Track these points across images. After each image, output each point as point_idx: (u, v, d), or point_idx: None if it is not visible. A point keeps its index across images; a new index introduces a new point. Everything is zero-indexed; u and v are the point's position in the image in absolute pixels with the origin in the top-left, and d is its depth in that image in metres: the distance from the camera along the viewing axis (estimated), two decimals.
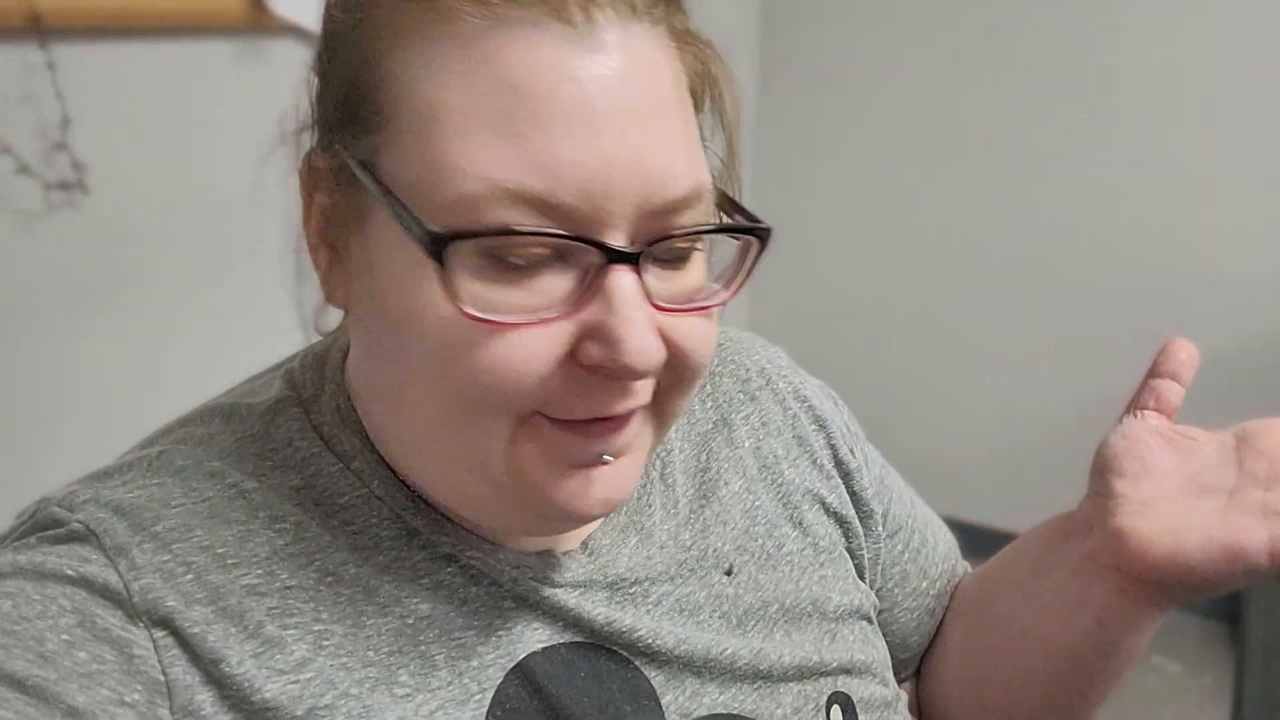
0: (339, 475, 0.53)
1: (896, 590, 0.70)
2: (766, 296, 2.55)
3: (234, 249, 1.37)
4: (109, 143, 1.27)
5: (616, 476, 0.49)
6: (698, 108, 0.51)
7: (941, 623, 0.74)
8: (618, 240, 0.44)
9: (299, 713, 0.47)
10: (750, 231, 0.49)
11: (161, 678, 0.46)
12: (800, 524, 0.64)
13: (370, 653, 0.49)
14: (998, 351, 2.35)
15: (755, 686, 0.57)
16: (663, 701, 0.54)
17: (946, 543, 0.75)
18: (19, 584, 0.46)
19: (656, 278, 0.46)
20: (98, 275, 1.31)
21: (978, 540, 0.86)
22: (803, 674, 0.58)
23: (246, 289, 1.25)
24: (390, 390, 0.50)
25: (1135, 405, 0.60)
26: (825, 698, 0.58)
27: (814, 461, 0.66)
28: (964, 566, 0.77)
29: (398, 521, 0.53)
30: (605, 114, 0.43)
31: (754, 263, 0.49)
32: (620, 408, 0.47)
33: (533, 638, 0.53)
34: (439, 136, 0.44)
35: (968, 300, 2.36)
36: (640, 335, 0.44)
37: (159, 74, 1.31)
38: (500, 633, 0.52)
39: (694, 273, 0.48)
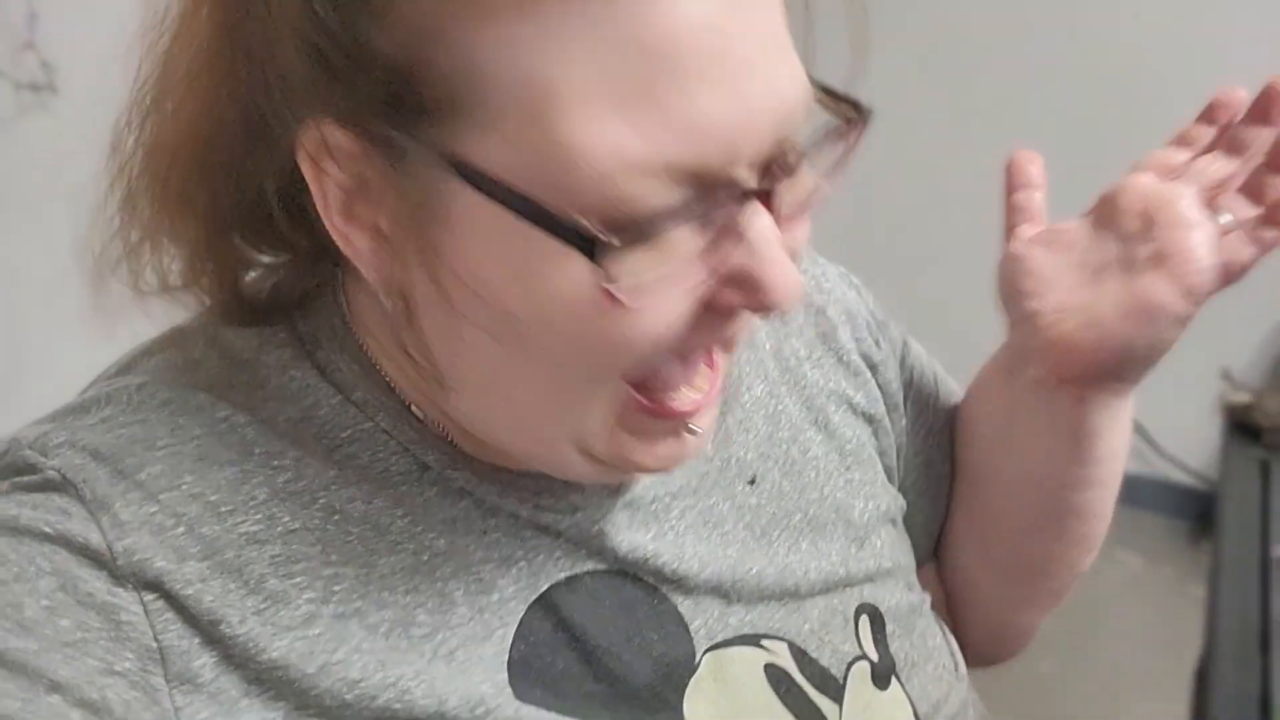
0: (340, 408, 0.49)
1: (920, 480, 0.68)
2: None
3: None
4: (77, 41, 1.22)
5: (700, 440, 0.49)
6: None
7: None
8: (745, 174, 0.41)
9: (310, 670, 0.44)
10: (856, 114, 0.45)
11: (154, 644, 0.42)
12: (825, 427, 0.63)
13: (385, 594, 0.47)
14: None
15: (782, 603, 0.56)
16: (690, 626, 0.53)
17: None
18: None
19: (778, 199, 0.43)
20: (70, 178, 1.27)
21: None
22: (829, 586, 0.58)
23: None
24: (481, 377, 0.46)
25: (1008, 228, 0.60)
26: (853, 609, 0.58)
27: (839, 359, 0.64)
28: None
29: (406, 455, 0.49)
30: (743, 54, 0.39)
31: (855, 145, 0.45)
32: (735, 333, 0.46)
33: (555, 569, 0.51)
34: (557, 118, 0.38)
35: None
36: (787, 275, 0.42)
37: None
38: (520, 564, 0.50)
39: (802, 175, 0.44)
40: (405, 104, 0.40)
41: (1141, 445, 2.30)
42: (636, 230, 0.39)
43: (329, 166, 0.42)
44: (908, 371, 0.68)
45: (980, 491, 0.68)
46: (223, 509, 0.45)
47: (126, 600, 0.42)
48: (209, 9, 0.44)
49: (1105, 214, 0.56)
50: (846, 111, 0.45)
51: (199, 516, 0.45)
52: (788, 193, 0.43)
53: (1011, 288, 0.58)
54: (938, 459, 0.69)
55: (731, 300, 0.42)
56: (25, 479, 0.44)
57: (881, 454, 0.66)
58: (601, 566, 0.52)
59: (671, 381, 0.46)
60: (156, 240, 0.49)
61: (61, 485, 0.44)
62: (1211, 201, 0.55)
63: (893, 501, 0.64)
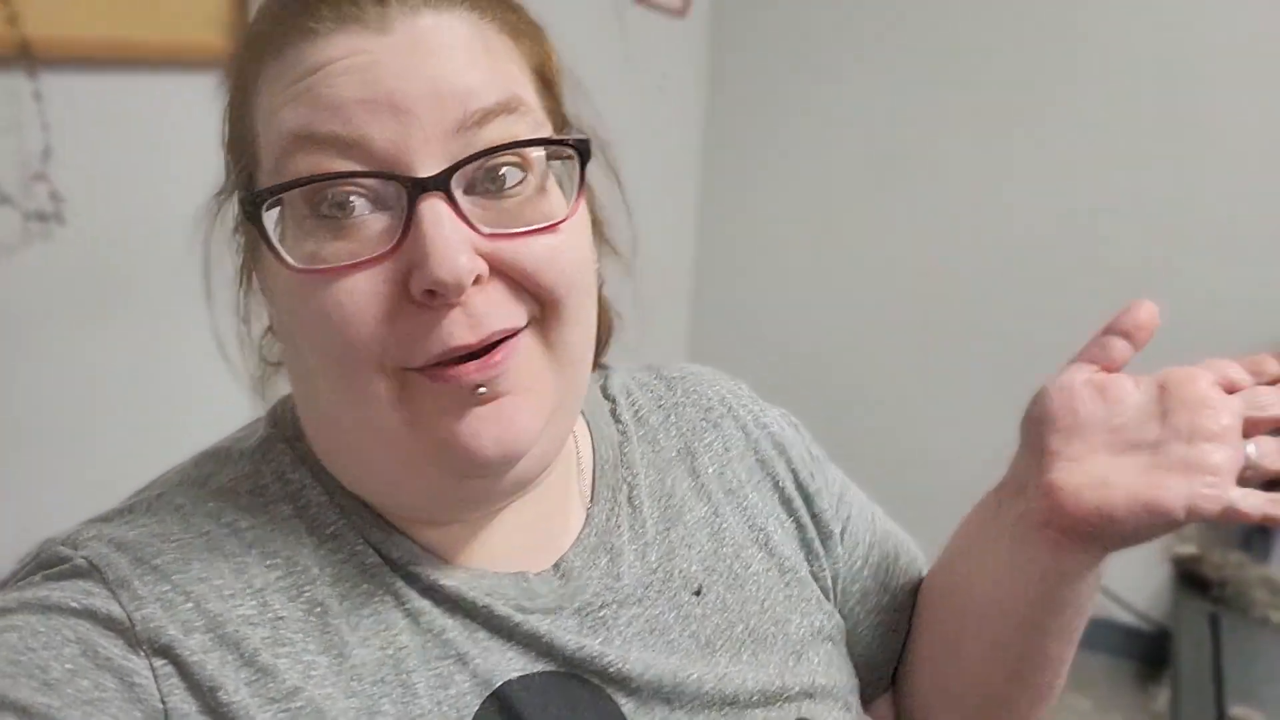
0: (327, 505, 0.56)
1: (858, 608, 0.71)
2: (708, 333, 2.58)
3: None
4: (89, 175, 1.25)
5: (508, 413, 0.51)
6: (549, 83, 0.55)
7: (911, 630, 0.74)
8: (429, 171, 0.48)
9: None
10: (557, 143, 0.52)
11: (160, 705, 0.48)
12: (765, 545, 0.67)
13: (354, 683, 0.52)
14: (944, 390, 2.41)
15: (722, 712, 0.58)
16: None
17: (909, 555, 0.76)
18: (24, 618, 0.48)
19: (484, 205, 0.50)
20: (71, 307, 1.29)
21: None
22: (767, 699, 0.60)
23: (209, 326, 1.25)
24: (309, 396, 0.55)
25: (1081, 357, 0.59)
26: None
27: (776, 485, 0.69)
28: None
29: (376, 552, 0.56)
30: (391, 64, 0.48)
31: (580, 177, 0.53)
32: (471, 336, 0.49)
33: (508, 666, 0.55)
34: (265, 130, 0.50)
35: (913, 339, 2.43)
36: (446, 247, 0.47)
37: (142, 106, 1.30)
38: (477, 660, 0.54)
39: (534, 203, 0.51)
40: (238, 165, 0.53)
41: None
42: (319, 213, 0.49)
43: (240, 242, 0.56)
44: (846, 507, 0.72)
45: (945, 613, 0.70)
46: (225, 592, 0.52)
47: (139, 665, 0.48)
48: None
49: (1164, 396, 0.56)
50: (566, 148, 0.53)
51: (204, 595, 0.51)
52: (492, 201, 0.50)
53: (1046, 415, 0.58)
54: (874, 590, 0.72)
55: (416, 282, 0.48)
56: (56, 569, 0.51)
57: (815, 577, 0.69)
58: (551, 667, 0.56)
59: (429, 362, 0.50)
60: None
61: (88, 571, 0.50)
62: (1251, 432, 0.56)
63: (827, 620, 0.67)
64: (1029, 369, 2.37)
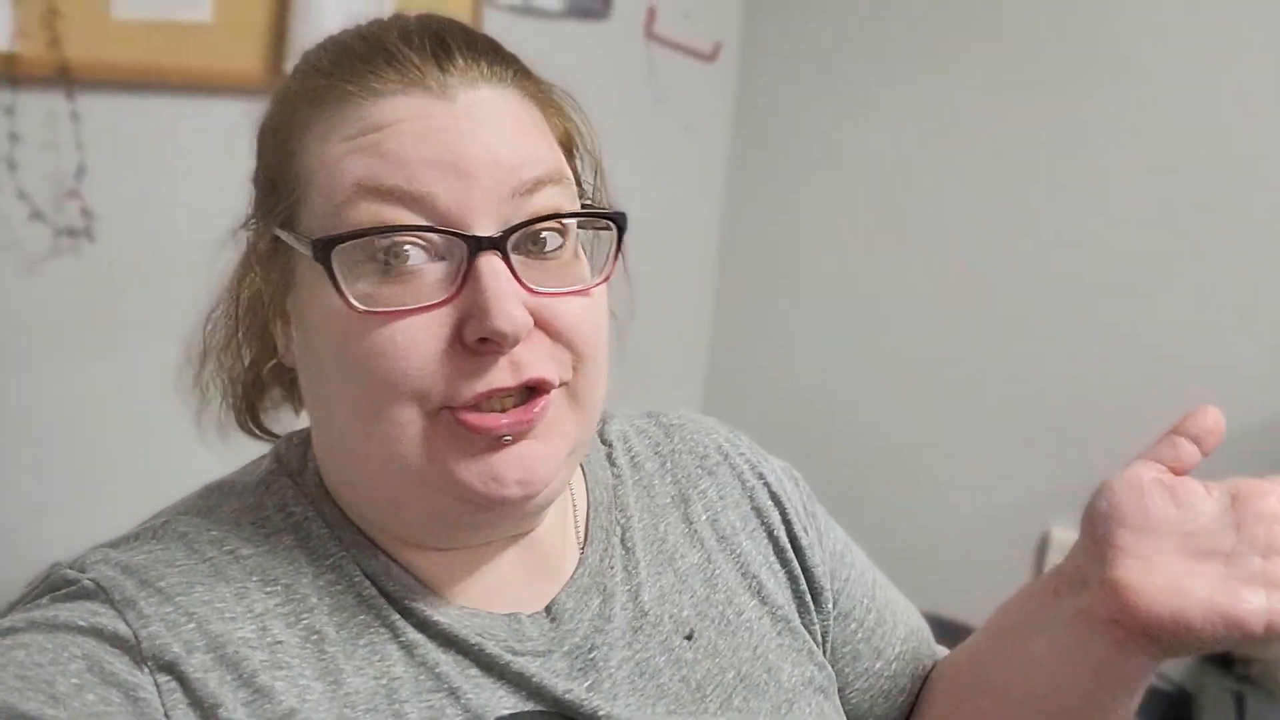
0: (327, 537, 0.58)
1: (847, 670, 0.71)
2: (725, 378, 2.57)
3: None
4: (120, 194, 1.27)
5: (531, 457, 0.54)
6: (570, 153, 0.60)
7: (921, 705, 0.74)
8: (485, 230, 0.52)
9: None
10: (603, 216, 0.58)
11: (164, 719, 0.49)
12: (758, 593, 0.67)
13: (348, 710, 0.52)
14: (964, 448, 2.37)
15: None
16: None
17: (909, 626, 0.75)
18: (32, 636, 0.49)
19: (528, 265, 0.53)
20: (98, 321, 1.30)
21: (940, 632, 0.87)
22: None
23: None
24: (324, 420, 0.58)
25: (1149, 456, 0.59)
26: None
27: (770, 534, 0.70)
28: (937, 651, 0.77)
29: (373, 584, 0.57)
30: (454, 129, 0.53)
31: (616, 249, 0.57)
32: (511, 380, 0.53)
33: (499, 704, 0.55)
34: (323, 175, 0.53)
35: (935, 391, 2.38)
36: (506, 302, 0.51)
37: (175, 129, 1.32)
38: (469, 696, 0.55)
39: (570, 266, 0.56)
40: (273, 199, 0.56)
41: None
42: (383, 261, 0.51)
43: (249, 276, 0.58)
44: (846, 569, 0.73)
45: (983, 699, 0.69)
46: (226, 615, 0.53)
47: (144, 681, 0.49)
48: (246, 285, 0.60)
49: (1237, 506, 0.56)
50: (605, 220, 0.58)
51: (206, 617, 0.53)
52: (537, 261, 0.54)
53: (1114, 510, 0.57)
54: (866, 654, 0.72)
55: (471, 330, 0.51)
56: (64, 591, 0.53)
57: (807, 628, 0.69)
58: (541, 708, 0.56)
59: (469, 402, 0.52)
60: (232, 354, 0.63)
61: (94, 593, 0.52)
62: None
63: (819, 672, 0.67)
64: (1051, 425, 2.30)
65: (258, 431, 0.66)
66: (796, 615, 0.68)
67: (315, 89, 0.55)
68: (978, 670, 0.70)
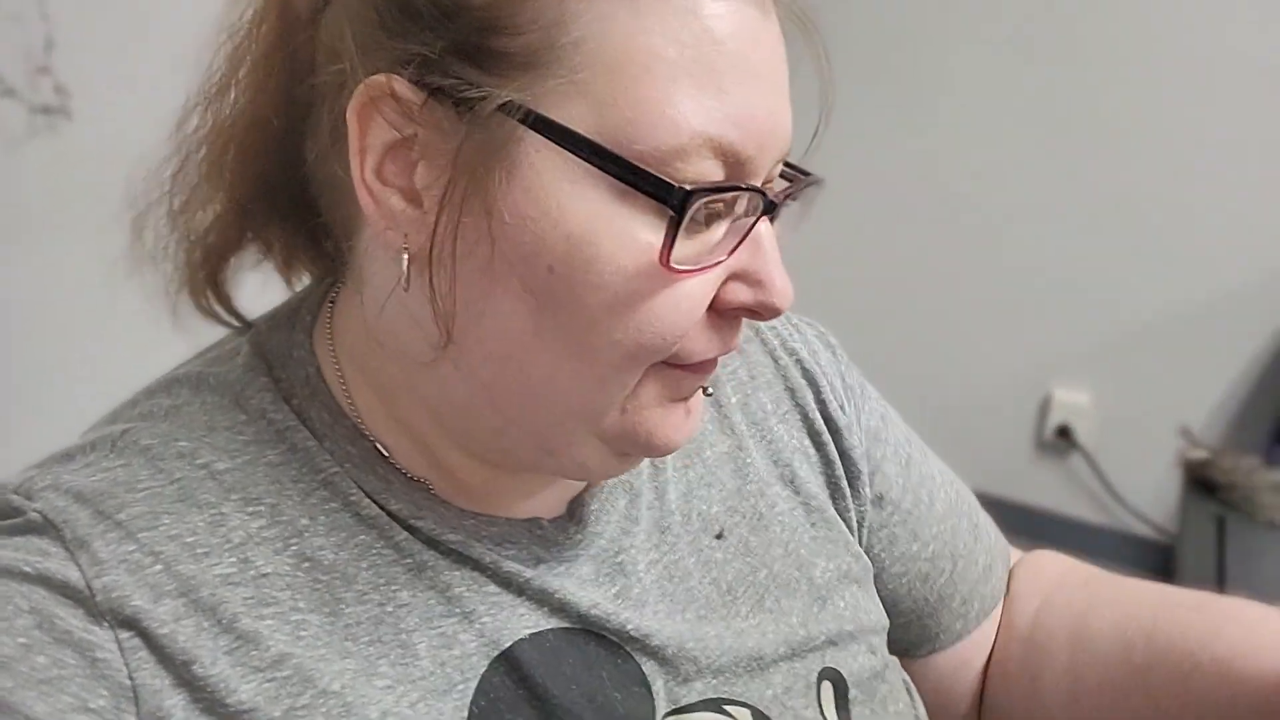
0: (316, 451, 0.51)
1: (884, 554, 0.68)
2: None
3: None
4: (93, 69, 1.24)
5: (697, 414, 0.52)
6: None
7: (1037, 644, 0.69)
8: (762, 182, 0.47)
9: (275, 714, 0.45)
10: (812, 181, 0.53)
11: (128, 682, 0.44)
12: (791, 483, 0.63)
13: (349, 643, 0.48)
14: (966, 316, 2.38)
15: (745, 668, 0.56)
16: (653, 688, 0.53)
17: (946, 501, 0.71)
18: None
19: None
20: (79, 203, 1.29)
21: None
22: (792, 652, 0.58)
23: None
24: (500, 347, 0.47)
25: None
26: (815, 675, 0.58)
27: (804, 417, 0.65)
28: (979, 520, 0.73)
29: (373, 503, 0.51)
30: (773, 75, 0.46)
31: (809, 206, 0.53)
32: (738, 343, 0.50)
33: (519, 624, 0.51)
34: (645, 84, 0.43)
35: (934, 269, 2.38)
36: (784, 277, 0.48)
37: None
38: (485, 619, 0.51)
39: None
40: (487, 54, 0.43)
41: (1105, 498, 2.36)
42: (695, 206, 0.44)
43: (377, 121, 0.45)
44: (881, 446, 0.69)
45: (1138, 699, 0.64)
46: (199, 550, 0.47)
47: (102, 638, 0.44)
48: (269, 23, 0.50)
49: None
50: (806, 178, 0.52)
51: (176, 556, 0.46)
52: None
53: None
54: (903, 537, 0.69)
55: (738, 296, 0.47)
56: (8, 522, 0.46)
57: (842, 516, 0.65)
58: (565, 624, 0.53)
59: (703, 358, 0.49)
60: (200, 205, 0.54)
61: (43, 527, 0.46)
62: None
63: (855, 563, 0.64)
64: (1051, 292, 2.30)
65: (224, 313, 0.57)
66: (831, 504, 0.65)
67: None
68: (1150, 688, 0.64)
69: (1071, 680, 0.67)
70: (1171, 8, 2.02)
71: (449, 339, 0.47)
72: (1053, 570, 0.75)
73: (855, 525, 0.66)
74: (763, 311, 0.48)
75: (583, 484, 0.58)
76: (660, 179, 0.43)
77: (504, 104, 0.43)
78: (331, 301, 0.56)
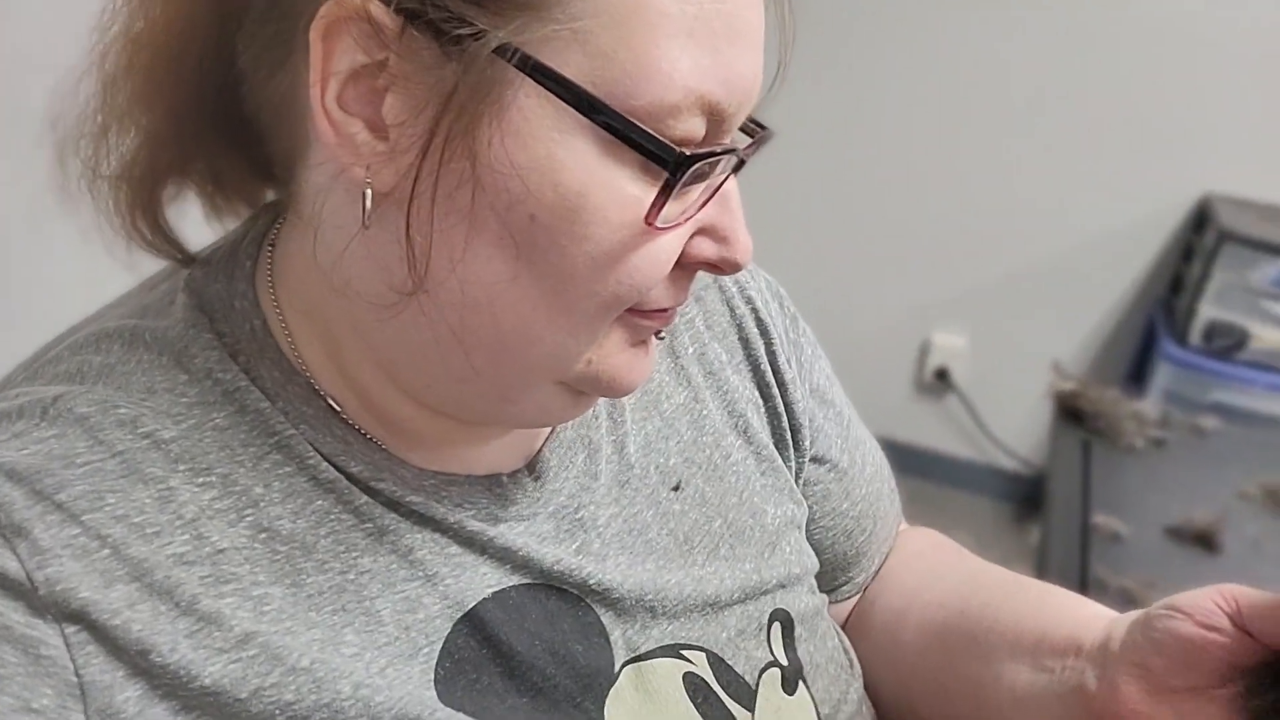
0: (269, 413, 0.48)
1: (815, 508, 0.69)
2: None
3: None
4: None
5: (653, 357, 0.52)
6: None
7: (891, 614, 0.71)
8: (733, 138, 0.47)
9: (243, 695, 0.43)
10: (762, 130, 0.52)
11: (75, 679, 0.41)
12: (744, 432, 0.64)
13: (313, 614, 0.46)
14: (849, 265, 2.45)
15: (702, 613, 0.57)
16: (611, 638, 0.54)
17: (874, 464, 0.74)
18: None
19: None
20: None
21: None
22: (745, 595, 0.59)
23: None
24: (473, 292, 0.45)
25: (1251, 625, 0.51)
26: (766, 616, 0.60)
27: (755, 367, 0.66)
28: (893, 496, 0.76)
29: (334, 465, 0.49)
30: (758, 34, 0.46)
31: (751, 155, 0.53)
32: (689, 295, 0.51)
33: (482, 584, 0.51)
34: (648, 39, 0.42)
35: (818, 217, 2.44)
36: (747, 234, 0.48)
37: None
38: (448, 581, 0.50)
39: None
40: (509, 6, 0.41)
41: (975, 432, 2.49)
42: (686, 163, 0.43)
43: (345, 42, 0.41)
44: (825, 408, 0.70)
45: (950, 681, 0.66)
46: (149, 529, 0.44)
47: (46, 633, 0.41)
48: None
49: None
50: (763, 132, 0.51)
51: (124, 538, 0.43)
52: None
53: (1184, 641, 0.51)
54: (836, 493, 0.70)
55: (704, 251, 0.48)
56: None
57: (785, 464, 0.67)
58: (527, 580, 0.53)
59: (663, 306, 0.49)
60: (124, 125, 0.49)
61: None
62: None
63: (798, 509, 0.66)
64: (931, 241, 2.39)
65: (160, 243, 0.52)
66: (777, 454, 0.66)
67: None
68: (958, 652, 0.66)
69: (890, 642, 0.71)
70: None
71: (420, 284, 0.44)
72: (914, 546, 0.78)
73: (794, 475, 0.68)
74: (724, 267, 0.48)
75: (540, 435, 0.57)
76: (658, 139, 0.42)
77: (499, 46, 0.40)
78: (271, 243, 0.53)
